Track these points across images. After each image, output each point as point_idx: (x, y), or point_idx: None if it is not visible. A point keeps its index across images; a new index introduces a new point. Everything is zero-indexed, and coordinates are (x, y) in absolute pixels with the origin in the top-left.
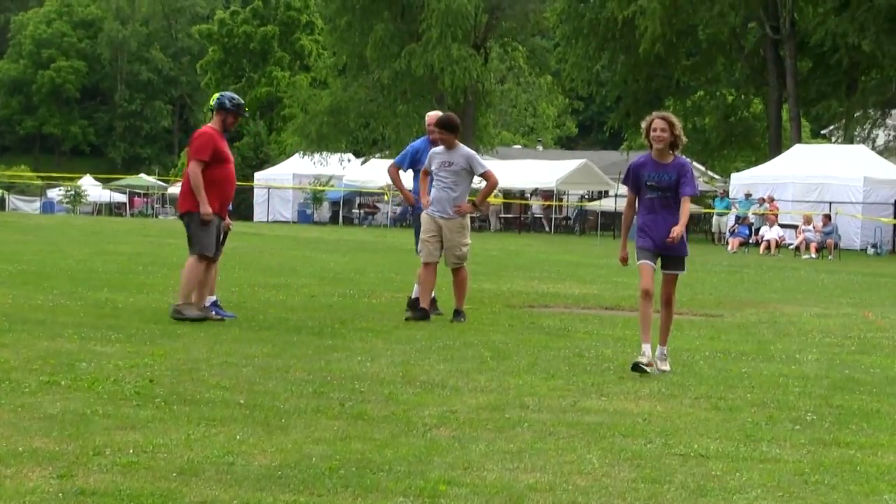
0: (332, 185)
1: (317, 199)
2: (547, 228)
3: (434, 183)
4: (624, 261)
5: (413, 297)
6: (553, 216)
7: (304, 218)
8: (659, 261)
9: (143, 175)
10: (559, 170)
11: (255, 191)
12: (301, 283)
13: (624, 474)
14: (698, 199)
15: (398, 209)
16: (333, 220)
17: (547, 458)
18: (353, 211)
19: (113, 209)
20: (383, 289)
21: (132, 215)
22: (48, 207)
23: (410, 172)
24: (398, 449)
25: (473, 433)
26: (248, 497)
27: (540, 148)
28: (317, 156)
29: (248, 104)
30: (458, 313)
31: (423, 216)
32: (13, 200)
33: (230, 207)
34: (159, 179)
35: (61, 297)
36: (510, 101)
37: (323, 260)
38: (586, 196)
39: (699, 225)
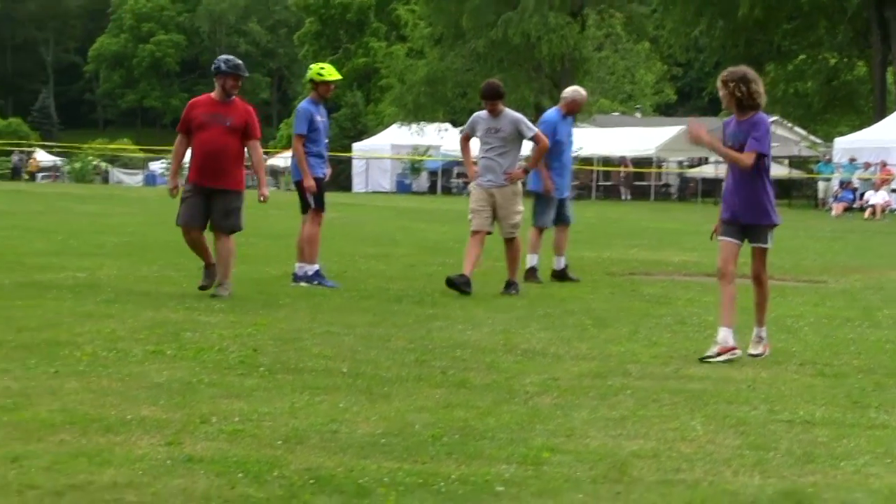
0: (430, 155)
1: (415, 169)
2: (624, 196)
3: (480, 151)
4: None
5: (529, 266)
6: (652, 183)
7: (402, 188)
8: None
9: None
10: (658, 137)
11: (354, 161)
12: (401, 253)
13: (729, 441)
14: (801, 163)
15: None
16: (432, 189)
17: (650, 426)
18: (452, 180)
19: None
20: (483, 257)
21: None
22: (150, 180)
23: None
24: (500, 416)
25: (576, 400)
26: (352, 464)
27: (638, 115)
28: (414, 126)
29: (346, 75)
30: (511, 285)
31: (473, 187)
32: (116, 173)
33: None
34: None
35: (165, 269)
36: (608, 68)
37: (422, 229)
38: (686, 163)
39: (802, 190)
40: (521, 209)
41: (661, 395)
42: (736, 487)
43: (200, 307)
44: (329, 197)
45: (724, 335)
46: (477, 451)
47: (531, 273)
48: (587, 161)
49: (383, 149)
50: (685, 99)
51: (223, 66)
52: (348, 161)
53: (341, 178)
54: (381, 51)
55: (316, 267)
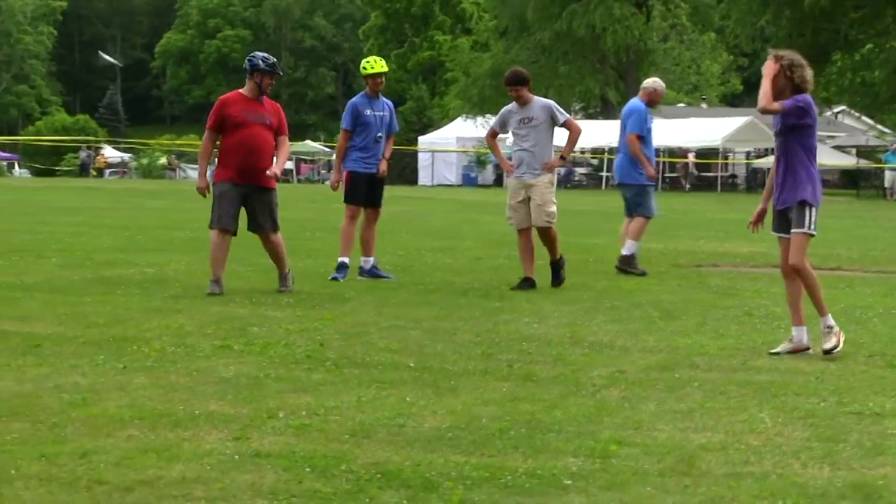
0: None
1: (480, 161)
2: (685, 187)
3: (514, 144)
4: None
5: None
6: (718, 174)
7: (468, 181)
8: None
9: (308, 141)
10: (724, 127)
11: (419, 155)
12: (466, 246)
13: (797, 433)
14: (868, 153)
15: (562, 170)
16: (497, 182)
17: (718, 418)
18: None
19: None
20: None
21: (299, 181)
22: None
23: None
24: (567, 409)
25: (643, 393)
26: (419, 458)
27: (704, 106)
28: (479, 118)
29: (411, 68)
30: (556, 263)
31: (511, 182)
32: (183, 168)
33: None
34: (325, 145)
35: (232, 263)
36: (673, 59)
37: (488, 222)
38: (752, 153)
39: (869, 180)
40: (555, 199)
41: (728, 388)
42: (805, 480)
43: (267, 302)
44: (395, 190)
45: (799, 334)
46: (544, 445)
47: (628, 261)
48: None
49: (448, 142)
50: (751, 89)
51: (262, 65)
52: (414, 154)
53: (407, 172)
54: (446, 44)
55: (344, 260)
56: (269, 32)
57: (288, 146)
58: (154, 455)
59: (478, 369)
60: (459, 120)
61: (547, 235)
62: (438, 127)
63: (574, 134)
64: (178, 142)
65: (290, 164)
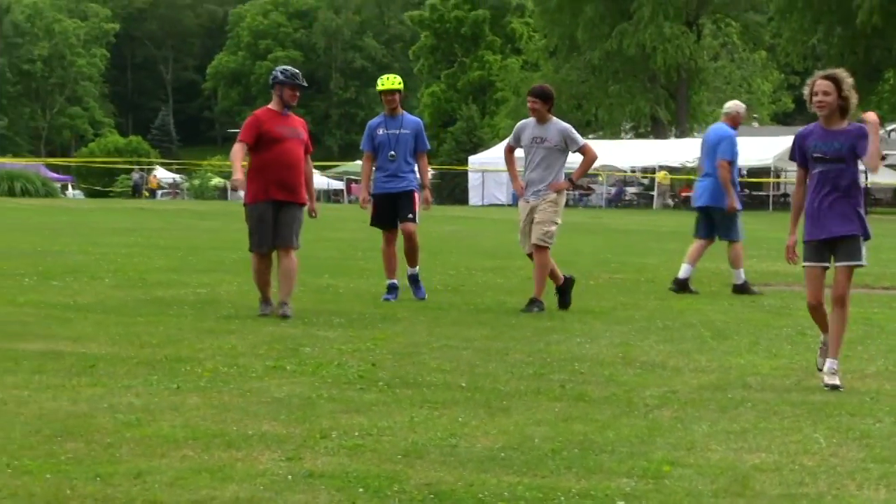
0: None
1: None
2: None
3: (526, 164)
4: (791, 252)
5: (681, 277)
6: (770, 193)
7: (517, 200)
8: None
9: (359, 161)
10: (776, 146)
11: (470, 174)
12: (517, 266)
13: (853, 454)
14: None
15: (612, 190)
16: None
17: (772, 438)
18: (568, 192)
19: (330, 196)
20: (600, 270)
21: (349, 201)
22: None
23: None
24: (620, 430)
25: (696, 413)
26: (472, 478)
27: (756, 124)
28: None
29: (461, 88)
30: (533, 302)
31: (520, 204)
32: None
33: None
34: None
35: None
36: (724, 77)
37: None
38: None
39: None
40: (559, 222)
41: (782, 408)
42: (860, 501)
43: (319, 322)
44: (445, 210)
45: (830, 365)
46: (597, 465)
47: (743, 287)
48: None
49: (499, 162)
50: (803, 107)
51: (281, 76)
52: (464, 174)
53: (457, 192)
54: (495, 64)
55: (393, 282)
56: (320, 53)
57: (312, 169)
58: (208, 475)
59: (530, 389)
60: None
61: (539, 258)
62: (488, 147)
63: (588, 159)
64: (228, 163)
65: (340, 184)
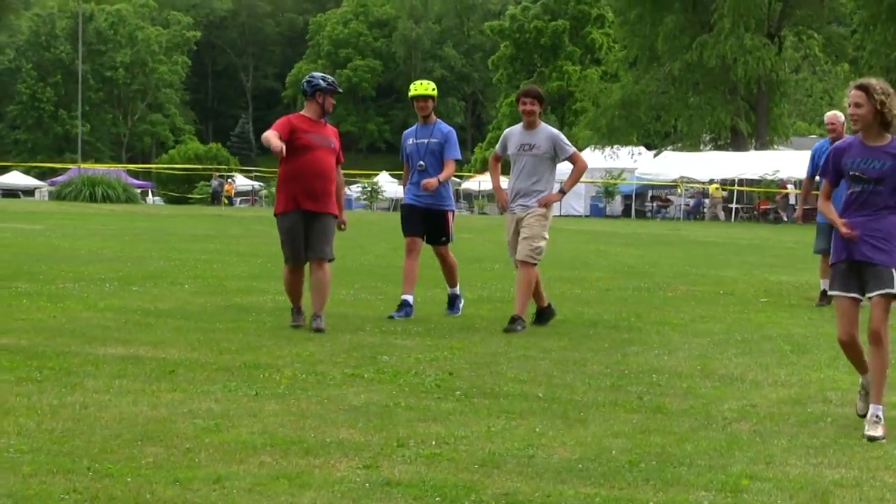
0: (624, 179)
1: (609, 192)
2: (783, 218)
3: (512, 173)
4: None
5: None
6: None
7: (596, 211)
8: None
9: None
10: None
11: None
12: (595, 277)
13: None
14: None
15: (691, 201)
16: (626, 213)
17: (852, 454)
18: (646, 204)
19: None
20: (678, 282)
21: None
22: (346, 204)
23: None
24: (698, 443)
25: (775, 427)
26: (549, 489)
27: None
28: (608, 149)
29: None
30: (515, 320)
31: (507, 216)
32: None
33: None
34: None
35: (362, 292)
36: (805, 90)
37: (616, 253)
38: None
39: None
40: (547, 237)
41: (862, 423)
42: None
43: (397, 331)
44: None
45: (874, 412)
46: (675, 478)
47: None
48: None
49: None
50: None
51: (323, 84)
52: None
53: None
54: (575, 74)
55: (405, 298)
56: (399, 62)
57: (343, 180)
58: (286, 482)
59: (607, 401)
60: (588, 150)
61: (524, 274)
62: None
63: (579, 168)
64: None
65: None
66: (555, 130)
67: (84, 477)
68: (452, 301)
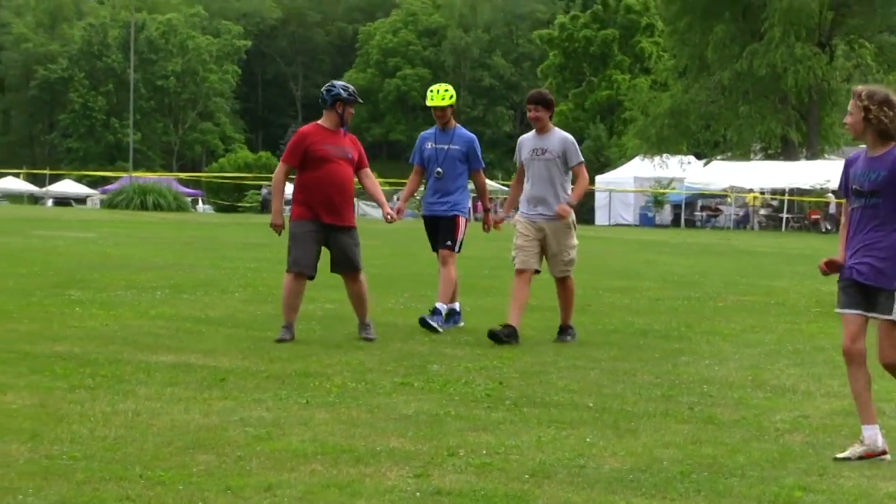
0: (674, 188)
1: (658, 201)
2: (823, 229)
3: (526, 178)
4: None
5: None
6: None
7: (645, 221)
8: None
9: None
10: None
11: (597, 194)
12: (645, 287)
13: None
14: None
15: (741, 211)
16: (675, 222)
17: None
18: (696, 213)
19: None
20: (729, 292)
21: (476, 219)
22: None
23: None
24: (750, 454)
25: (827, 439)
26: (600, 500)
27: None
28: (657, 158)
29: (588, 108)
30: (565, 330)
31: (518, 220)
32: (362, 206)
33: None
34: (501, 184)
35: (412, 300)
36: None
37: (666, 263)
38: None
39: None
40: (576, 243)
41: None
42: None
43: (446, 340)
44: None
45: (871, 434)
46: (726, 489)
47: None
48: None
49: (626, 181)
50: None
51: (344, 94)
52: (591, 194)
53: (583, 211)
54: (624, 83)
55: (450, 306)
56: (448, 71)
57: (374, 178)
58: (336, 490)
59: (658, 411)
60: (637, 159)
61: (563, 288)
62: (616, 166)
63: (581, 185)
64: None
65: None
66: (568, 136)
67: (136, 484)
68: (449, 316)
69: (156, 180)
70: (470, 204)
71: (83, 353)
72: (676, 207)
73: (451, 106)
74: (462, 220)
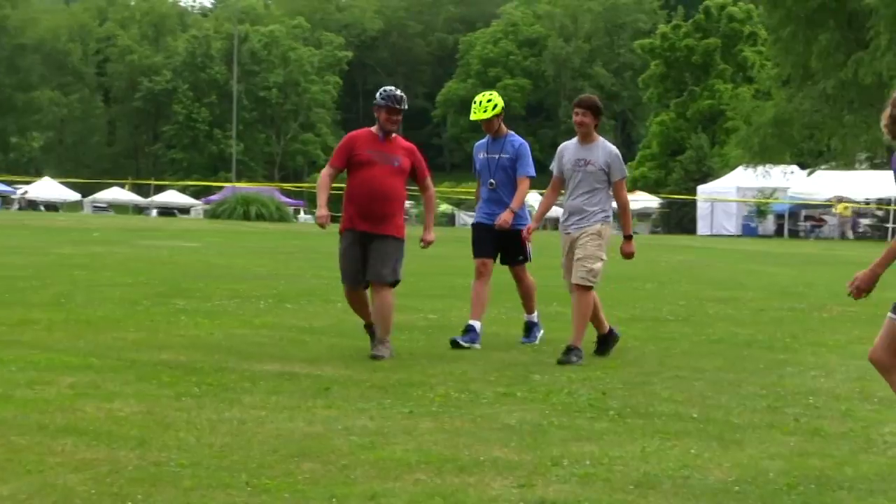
0: (777, 198)
1: (761, 211)
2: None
3: (567, 191)
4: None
5: None
6: None
7: (748, 231)
8: None
9: None
10: None
11: (698, 204)
12: (749, 297)
13: None
14: None
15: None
16: (778, 233)
17: None
18: (799, 223)
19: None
20: (834, 302)
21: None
22: None
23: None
24: (858, 467)
25: None
26: None
27: None
28: (760, 168)
29: (690, 117)
30: (570, 351)
31: (562, 236)
32: (462, 216)
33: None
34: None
35: (513, 310)
36: None
37: (770, 273)
38: None
39: None
40: (605, 258)
41: None
42: None
43: (548, 350)
44: (673, 240)
45: None
46: (834, 502)
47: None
48: None
49: (728, 191)
50: None
51: (377, 98)
52: (692, 204)
53: (685, 221)
54: (726, 93)
55: (471, 323)
56: (549, 81)
57: (433, 198)
58: (440, 500)
59: (763, 422)
60: (740, 169)
61: (580, 299)
62: (718, 176)
63: (622, 204)
64: (457, 189)
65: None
66: (613, 148)
67: (242, 492)
68: (529, 329)
69: (258, 190)
70: (528, 211)
71: (189, 361)
72: (779, 217)
73: (496, 116)
74: (525, 232)
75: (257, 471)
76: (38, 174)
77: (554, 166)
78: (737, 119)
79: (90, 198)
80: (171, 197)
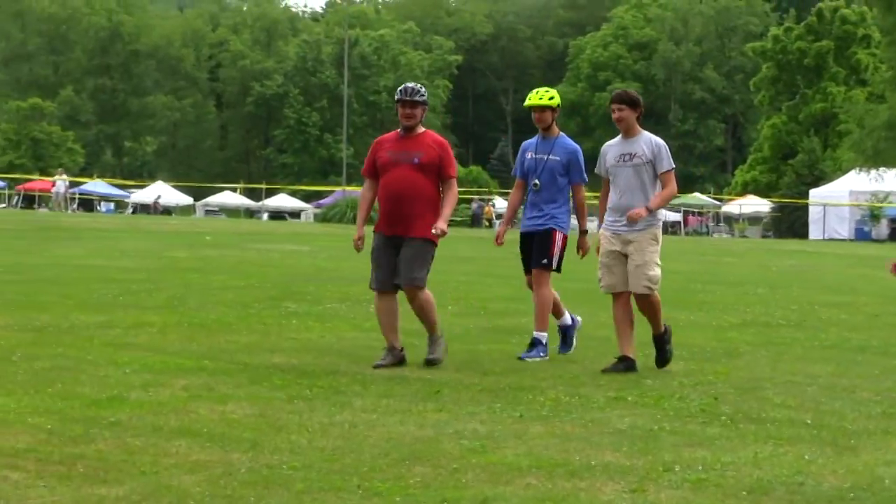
0: (891, 202)
1: (874, 215)
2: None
3: (611, 188)
4: None
5: None
6: None
7: (861, 235)
8: None
9: (696, 194)
10: None
11: (810, 208)
12: (862, 302)
13: None
14: None
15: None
16: (892, 237)
17: None
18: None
19: (668, 227)
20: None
21: (686, 234)
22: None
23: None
24: None
25: None
26: None
27: None
28: (873, 171)
29: (802, 121)
30: (662, 337)
31: (603, 233)
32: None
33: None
34: (713, 198)
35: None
36: None
37: (884, 278)
38: None
39: None
40: (660, 262)
41: None
42: None
43: (650, 352)
44: (784, 244)
45: None
46: None
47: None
48: None
49: (841, 195)
50: None
51: (397, 94)
52: (804, 208)
53: (797, 226)
54: (839, 95)
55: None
56: (659, 85)
57: (454, 193)
58: None
59: (878, 428)
60: (853, 173)
61: (646, 304)
62: (831, 180)
63: (669, 191)
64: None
65: (677, 216)
66: (658, 139)
67: (354, 495)
68: (532, 345)
69: None
70: (569, 221)
71: (300, 364)
72: (893, 221)
73: (551, 108)
74: (559, 235)
75: (368, 474)
76: (152, 178)
77: (600, 169)
78: (850, 122)
79: (202, 201)
80: (282, 201)
